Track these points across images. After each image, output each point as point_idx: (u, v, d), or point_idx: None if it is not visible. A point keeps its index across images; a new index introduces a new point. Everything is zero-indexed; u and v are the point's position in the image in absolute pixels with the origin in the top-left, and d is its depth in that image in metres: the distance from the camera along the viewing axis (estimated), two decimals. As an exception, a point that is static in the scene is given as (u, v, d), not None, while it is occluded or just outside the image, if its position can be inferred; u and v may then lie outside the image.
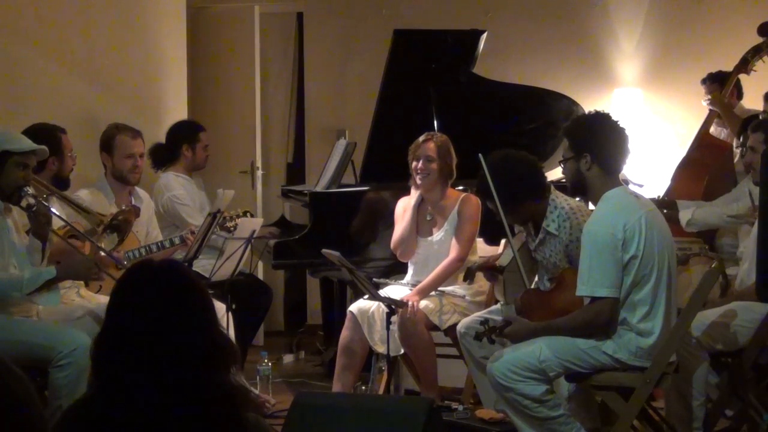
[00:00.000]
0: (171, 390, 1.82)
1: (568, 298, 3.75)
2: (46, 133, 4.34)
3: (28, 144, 3.99)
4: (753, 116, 5.08)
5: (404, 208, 4.97)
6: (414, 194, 4.92)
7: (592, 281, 3.55)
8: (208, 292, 1.98)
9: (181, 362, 1.83)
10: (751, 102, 6.04)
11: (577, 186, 3.77)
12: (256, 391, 5.02)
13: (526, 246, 4.23)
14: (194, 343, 1.86)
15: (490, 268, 4.40)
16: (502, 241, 4.78)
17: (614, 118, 3.76)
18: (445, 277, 4.78)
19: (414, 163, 4.85)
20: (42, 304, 4.10)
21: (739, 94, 5.99)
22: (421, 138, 4.88)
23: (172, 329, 1.85)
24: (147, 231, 5.09)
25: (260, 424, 1.95)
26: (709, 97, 5.89)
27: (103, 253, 4.23)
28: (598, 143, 3.67)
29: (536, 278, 4.25)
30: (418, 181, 4.86)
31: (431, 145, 4.84)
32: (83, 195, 4.83)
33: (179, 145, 5.70)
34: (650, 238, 3.58)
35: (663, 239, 3.64)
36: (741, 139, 4.85)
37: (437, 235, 4.89)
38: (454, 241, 4.81)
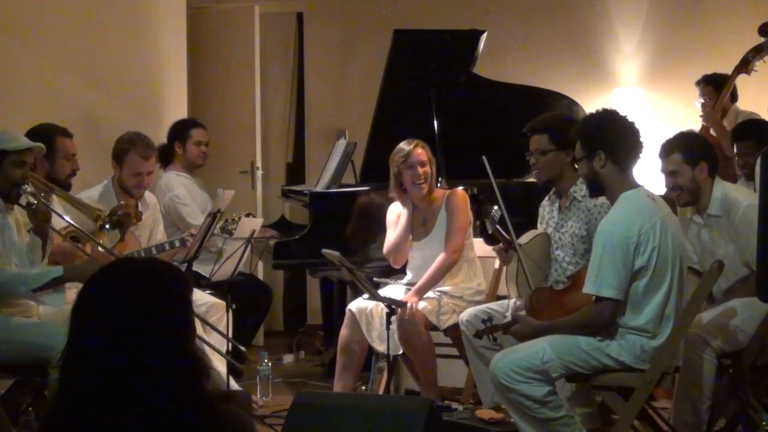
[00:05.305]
0: (129, 400, 1.78)
1: (582, 298, 3.73)
2: (40, 134, 4.32)
3: (23, 142, 3.99)
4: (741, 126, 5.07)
5: (397, 214, 4.96)
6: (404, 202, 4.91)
7: (599, 280, 3.56)
8: (180, 299, 1.86)
9: (139, 376, 1.78)
10: (752, 103, 6.03)
11: (594, 186, 3.78)
12: (256, 395, 5.02)
13: (537, 241, 4.24)
14: (151, 357, 1.79)
15: (508, 244, 4.22)
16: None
17: (622, 114, 3.77)
18: (443, 273, 4.76)
19: (409, 171, 4.79)
20: (47, 304, 4.08)
21: (733, 97, 5.96)
22: (406, 147, 4.82)
23: (128, 340, 1.79)
24: (150, 234, 5.08)
25: (239, 420, 1.87)
26: (702, 101, 5.88)
27: (101, 250, 4.22)
28: (610, 140, 3.68)
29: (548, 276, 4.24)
30: (421, 189, 4.81)
31: (420, 150, 4.83)
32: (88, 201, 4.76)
33: (172, 143, 5.73)
34: (664, 245, 3.58)
35: (676, 244, 3.65)
36: (736, 150, 4.87)
37: (431, 236, 4.87)
38: (446, 235, 4.79)
